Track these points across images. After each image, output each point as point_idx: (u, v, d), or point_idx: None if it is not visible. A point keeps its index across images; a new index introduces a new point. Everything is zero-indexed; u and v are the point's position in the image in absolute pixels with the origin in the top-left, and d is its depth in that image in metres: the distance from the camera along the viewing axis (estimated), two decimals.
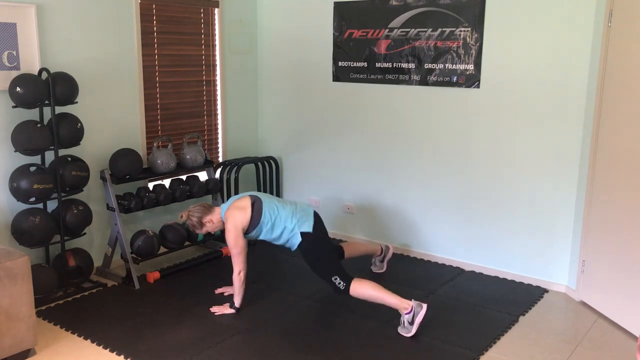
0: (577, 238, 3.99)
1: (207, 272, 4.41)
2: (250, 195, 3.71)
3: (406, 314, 3.45)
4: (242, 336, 3.43)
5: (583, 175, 3.91)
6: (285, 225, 3.63)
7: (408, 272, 4.38)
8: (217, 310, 3.72)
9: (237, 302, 3.70)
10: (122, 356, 3.20)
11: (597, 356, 3.28)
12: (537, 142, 4.11)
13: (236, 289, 3.68)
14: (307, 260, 3.71)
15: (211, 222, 3.72)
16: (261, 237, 3.72)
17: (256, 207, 3.62)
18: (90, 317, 3.64)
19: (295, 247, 3.68)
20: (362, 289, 3.53)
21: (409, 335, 3.44)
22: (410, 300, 3.49)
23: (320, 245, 3.68)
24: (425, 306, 3.48)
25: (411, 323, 3.45)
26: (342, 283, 3.56)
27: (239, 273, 3.63)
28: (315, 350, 3.27)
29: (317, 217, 3.72)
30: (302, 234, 3.61)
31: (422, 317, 3.44)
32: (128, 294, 4.01)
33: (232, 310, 3.70)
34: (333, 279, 3.58)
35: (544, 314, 3.79)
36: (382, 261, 4.39)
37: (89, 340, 3.36)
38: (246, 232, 3.64)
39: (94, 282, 4.15)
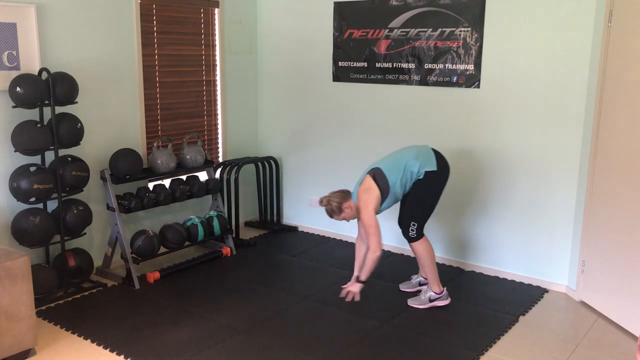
0: (577, 238, 3.99)
1: (207, 272, 4.41)
2: (368, 172, 3.73)
3: (434, 292, 3.82)
4: (242, 336, 3.43)
5: (583, 175, 3.91)
6: (412, 171, 3.69)
7: (408, 273, 4.37)
8: (347, 288, 3.72)
9: (364, 276, 3.68)
10: (122, 356, 3.20)
11: (597, 356, 3.28)
12: (537, 142, 4.10)
13: (367, 265, 3.65)
14: (413, 194, 3.74)
15: (349, 209, 3.72)
16: (398, 196, 3.75)
17: (379, 179, 3.66)
18: (90, 317, 3.65)
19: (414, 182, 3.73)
20: (425, 248, 3.77)
21: (420, 307, 3.81)
22: (444, 287, 3.87)
23: (433, 188, 3.75)
24: (449, 300, 3.87)
25: (431, 301, 3.82)
26: (414, 232, 3.74)
27: (374, 252, 3.61)
28: (315, 350, 3.27)
29: (440, 157, 3.77)
30: (427, 172, 3.68)
31: (440, 304, 3.83)
32: (128, 294, 4.01)
33: (360, 284, 3.69)
34: (412, 223, 3.73)
35: (544, 314, 3.79)
36: (420, 284, 4.15)
37: (89, 340, 3.37)
38: (382, 202, 3.69)
39: (94, 282, 4.15)
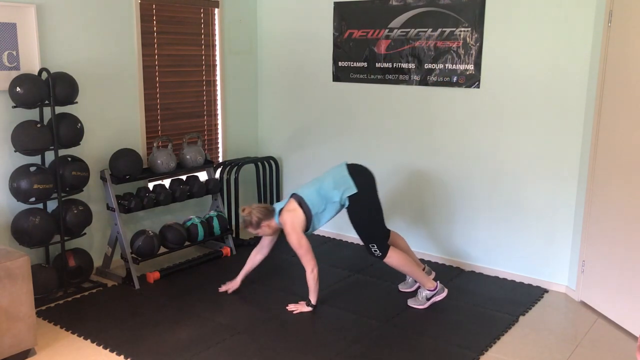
0: (577, 238, 3.99)
1: (207, 272, 4.41)
2: (293, 195, 3.74)
3: (429, 290, 3.80)
4: (242, 336, 3.43)
5: (583, 175, 3.91)
6: (335, 201, 3.68)
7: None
8: (294, 308, 3.75)
9: (314, 299, 3.74)
10: (122, 356, 3.20)
11: (597, 356, 3.28)
12: (537, 142, 4.10)
13: (311, 287, 3.72)
14: (352, 221, 3.76)
15: (267, 227, 3.77)
16: (320, 225, 3.77)
17: (303, 205, 3.67)
18: (90, 317, 3.65)
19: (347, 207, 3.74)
20: (397, 260, 3.74)
21: (419, 307, 3.80)
22: (437, 281, 3.85)
23: (365, 206, 3.74)
24: (446, 291, 3.86)
25: (428, 299, 3.80)
26: (377, 251, 3.72)
27: (312, 271, 3.68)
28: (315, 351, 3.27)
29: (356, 172, 3.73)
30: (350, 197, 3.67)
31: (439, 299, 3.82)
32: (128, 294, 4.01)
33: (309, 309, 3.73)
34: (370, 245, 3.72)
35: (544, 314, 3.79)
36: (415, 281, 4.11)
37: (89, 340, 3.37)
38: (306, 229, 3.70)
39: (94, 282, 4.15)
